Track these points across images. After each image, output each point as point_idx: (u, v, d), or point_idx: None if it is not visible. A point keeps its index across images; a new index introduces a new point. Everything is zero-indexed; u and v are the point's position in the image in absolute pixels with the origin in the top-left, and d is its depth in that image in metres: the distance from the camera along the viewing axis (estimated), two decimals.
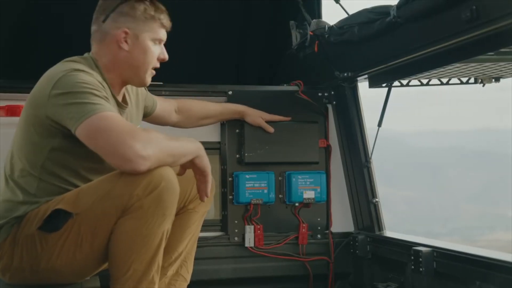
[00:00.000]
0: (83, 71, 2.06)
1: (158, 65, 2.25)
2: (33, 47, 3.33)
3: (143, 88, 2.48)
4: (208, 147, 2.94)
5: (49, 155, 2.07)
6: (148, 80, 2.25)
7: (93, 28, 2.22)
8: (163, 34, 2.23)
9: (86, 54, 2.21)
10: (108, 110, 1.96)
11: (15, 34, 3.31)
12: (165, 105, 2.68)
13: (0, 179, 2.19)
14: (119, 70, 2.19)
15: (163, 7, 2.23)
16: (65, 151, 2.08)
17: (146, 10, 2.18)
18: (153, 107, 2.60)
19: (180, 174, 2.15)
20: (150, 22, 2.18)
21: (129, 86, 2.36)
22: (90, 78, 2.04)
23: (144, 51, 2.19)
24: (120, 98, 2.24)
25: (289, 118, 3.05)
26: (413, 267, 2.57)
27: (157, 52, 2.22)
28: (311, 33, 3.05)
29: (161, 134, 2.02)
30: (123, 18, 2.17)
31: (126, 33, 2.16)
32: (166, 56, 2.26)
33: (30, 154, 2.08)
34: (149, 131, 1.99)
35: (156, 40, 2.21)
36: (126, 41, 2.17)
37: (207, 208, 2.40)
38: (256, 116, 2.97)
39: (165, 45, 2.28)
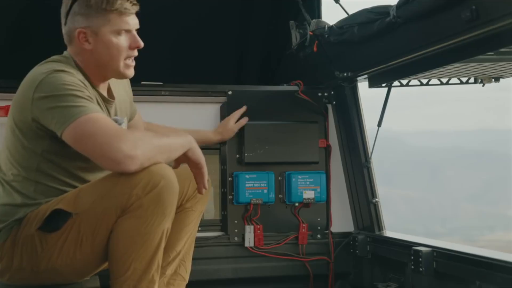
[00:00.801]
0: (63, 71, 2.03)
1: (132, 54, 2.16)
2: (34, 47, 3.33)
3: (130, 91, 2.45)
4: (208, 147, 2.96)
5: (42, 158, 2.06)
6: (126, 72, 2.17)
7: (63, 31, 2.17)
8: (125, 23, 2.11)
9: (65, 53, 2.18)
10: (92, 111, 1.94)
11: (15, 34, 3.31)
12: (139, 120, 2.59)
13: None
14: (92, 67, 2.15)
15: None
16: (56, 153, 2.07)
17: (97, 4, 2.07)
18: (132, 115, 2.52)
19: (174, 167, 2.14)
20: (106, 15, 2.09)
21: (115, 83, 2.32)
22: (72, 78, 2.02)
23: (107, 46, 2.11)
24: (105, 93, 2.22)
25: (244, 109, 2.99)
26: (413, 267, 2.57)
27: (124, 43, 2.13)
28: (311, 33, 3.05)
29: (149, 133, 2.01)
30: (77, 17, 2.10)
31: (83, 32, 2.10)
32: (139, 43, 2.15)
33: (22, 159, 2.07)
34: (135, 131, 1.98)
35: (121, 31, 2.12)
36: (87, 40, 2.11)
37: (204, 207, 2.40)
38: (225, 130, 2.92)
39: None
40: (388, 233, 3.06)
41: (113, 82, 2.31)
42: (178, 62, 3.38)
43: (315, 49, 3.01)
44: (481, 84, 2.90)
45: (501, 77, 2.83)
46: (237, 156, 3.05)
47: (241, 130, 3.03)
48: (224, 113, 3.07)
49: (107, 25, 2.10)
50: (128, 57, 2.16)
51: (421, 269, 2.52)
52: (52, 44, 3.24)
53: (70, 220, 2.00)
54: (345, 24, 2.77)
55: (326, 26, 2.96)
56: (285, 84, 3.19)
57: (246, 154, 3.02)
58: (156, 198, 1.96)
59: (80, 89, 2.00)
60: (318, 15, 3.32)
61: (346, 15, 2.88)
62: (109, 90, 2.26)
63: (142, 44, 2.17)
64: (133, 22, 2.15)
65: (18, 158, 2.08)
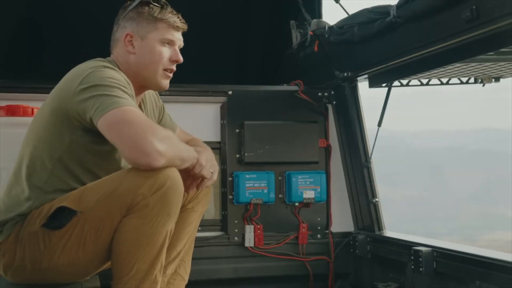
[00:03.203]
0: (112, 68, 2.11)
1: (171, 66, 2.25)
2: (34, 47, 3.33)
3: (165, 112, 2.50)
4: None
5: (67, 149, 2.08)
6: (163, 82, 2.25)
7: (112, 37, 2.27)
8: (171, 35, 2.23)
9: (108, 58, 2.25)
10: (132, 106, 1.99)
11: (16, 34, 3.31)
12: (179, 135, 2.60)
13: (1, 177, 2.19)
14: (131, 73, 2.21)
15: (171, 9, 2.25)
16: (84, 147, 2.09)
17: (150, 12, 2.21)
18: None
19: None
20: (155, 23, 2.20)
21: (148, 100, 2.38)
22: (119, 75, 2.08)
23: (150, 51, 2.20)
24: (137, 104, 2.25)
25: None
26: (413, 267, 2.57)
27: (166, 53, 2.23)
28: (311, 33, 3.06)
29: (175, 136, 2.09)
30: (128, 23, 2.21)
31: (130, 35, 2.20)
32: (179, 57, 2.26)
33: (48, 146, 2.10)
34: (167, 130, 2.04)
35: (165, 41, 2.22)
36: (132, 44, 2.20)
37: (205, 208, 2.41)
38: None
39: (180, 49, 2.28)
40: (388, 233, 3.06)
41: (147, 102, 2.38)
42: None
43: (315, 49, 3.01)
44: (481, 84, 2.90)
45: (501, 77, 2.84)
46: (237, 156, 3.05)
47: (241, 130, 3.04)
48: (224, 113, 3.08)
49: (154, 32, 2.20)
50: (166, 68, 2.24)
51: (421, 269, 2.52)
52: (54, 45, 3.28)
53: (74, 219, 2.00)
54: (346, 24, 2.77)
55: (326, 26, 2.96)
56: (285, 84, 3.19)
57: (246, 154, 3.02)
58: (162, 198, 1.96)
59: (125, 85, 2.06)
60: (319, 15, 3.32)
61: (346, 15, 2.88)
62: (140, 104, 2.31)
63: (182, 59, 2.26)
64: (178, 37, 2.27)
65: (44, 144, 2.10)
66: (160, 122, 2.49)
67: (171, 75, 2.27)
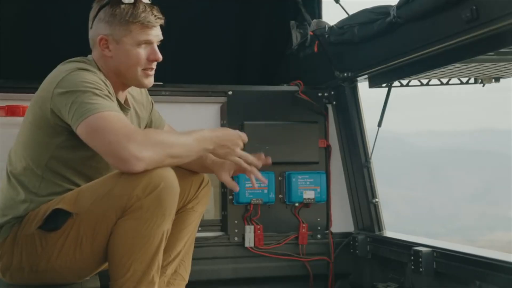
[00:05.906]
0: (87, 70, 2.07)
1: (150, 66, 2.17)
2: (34, 47, 3.33)
3: (154, 107, 2.47)
4: None
5: (54, 154, 2.08)
6: (145, 82, 2.19)
7: (89, 34, 2.21)
8: (146, 35, 2.13)
9: (89, 56, 2.21)
10: (108, 110, 1.96)
11: (15, 34, 3.31)
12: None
13: (0, 177, 2.19)
14: (111, 73, 2.17)
15: (144, 6, 2.12)
16: (70, 149, 2.08)
17: (121, 14, 2.11)
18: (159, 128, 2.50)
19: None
20: (127, 26, 2.11)
21: (136, 93, 2.35)
22: (93, 77, 2.05)
23: (126, 55, 2.14)
24: (122, 100, 2.24)
25: None
26: (413, 267, 2.57)
27: (143, 54, 2.15)
28: (311, 33, 3.06)
29: (165, 135, 2.01)
30: (101, 24, 2.14)
31: (105, 39, 2.13)
32: (157, 56, 2.17)
33: (34, 153, 2.09)
34: (148, 132, 2.00)
35: (141, 42, 2.14)
36: (108, 48, 2.14)
37: (205, 208, 2.41)
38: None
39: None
40: (388, 233, 3.06)
41: (137, 99, 2.34)
42: (178, 62, 3.38)
43: (315, 49, 3.01)
44: (481, 84, 2.90)
45: (501, 77, 2.84)
46: None
47: (241, 130, 3.03)
48: (224, 113, 3.08)
49: (129, 35, 2.12)
50: (145, 68, 2.17)
51: (421, 269, 2.52)
52: (54, 44, 3.28)
53: (70, 220, 2.00)
54: (346, 24, 2.77)
55: (326, 26, 2.96)
56: (285, 84, 3.19)
57: None
58: (156, 200, 1.96)
59: (100, 87, 2.02)
60: (319, 15, 3.32)
61: (346, 15, 2.88)
62: (126, 99, 2.27)
63: (160, 57, 2.18)
64: (155, 34, 2.17)
65: (30, 152, 2.09)
66: (150, 116, 2.45)
67: (152, 73, 2.20)
